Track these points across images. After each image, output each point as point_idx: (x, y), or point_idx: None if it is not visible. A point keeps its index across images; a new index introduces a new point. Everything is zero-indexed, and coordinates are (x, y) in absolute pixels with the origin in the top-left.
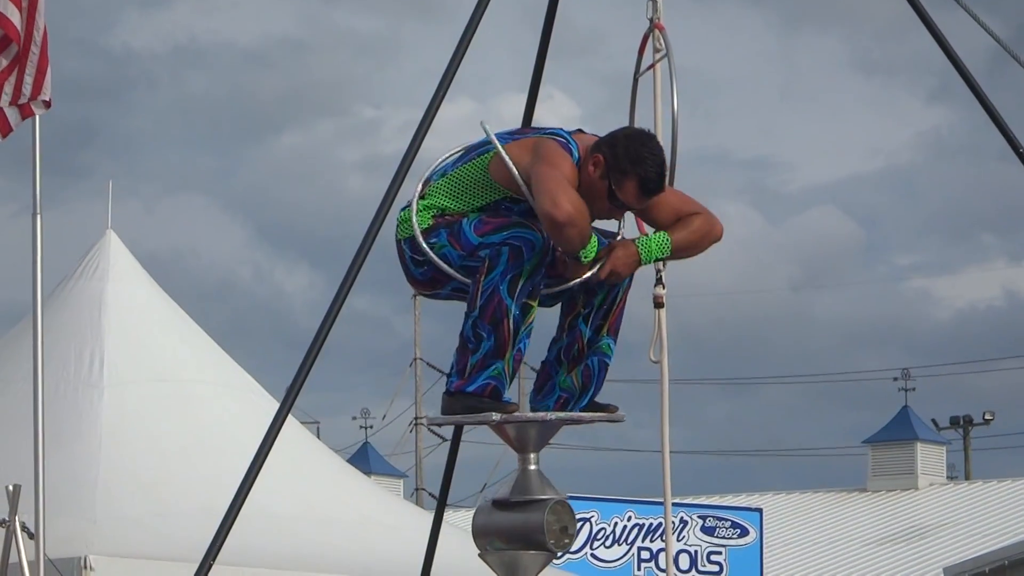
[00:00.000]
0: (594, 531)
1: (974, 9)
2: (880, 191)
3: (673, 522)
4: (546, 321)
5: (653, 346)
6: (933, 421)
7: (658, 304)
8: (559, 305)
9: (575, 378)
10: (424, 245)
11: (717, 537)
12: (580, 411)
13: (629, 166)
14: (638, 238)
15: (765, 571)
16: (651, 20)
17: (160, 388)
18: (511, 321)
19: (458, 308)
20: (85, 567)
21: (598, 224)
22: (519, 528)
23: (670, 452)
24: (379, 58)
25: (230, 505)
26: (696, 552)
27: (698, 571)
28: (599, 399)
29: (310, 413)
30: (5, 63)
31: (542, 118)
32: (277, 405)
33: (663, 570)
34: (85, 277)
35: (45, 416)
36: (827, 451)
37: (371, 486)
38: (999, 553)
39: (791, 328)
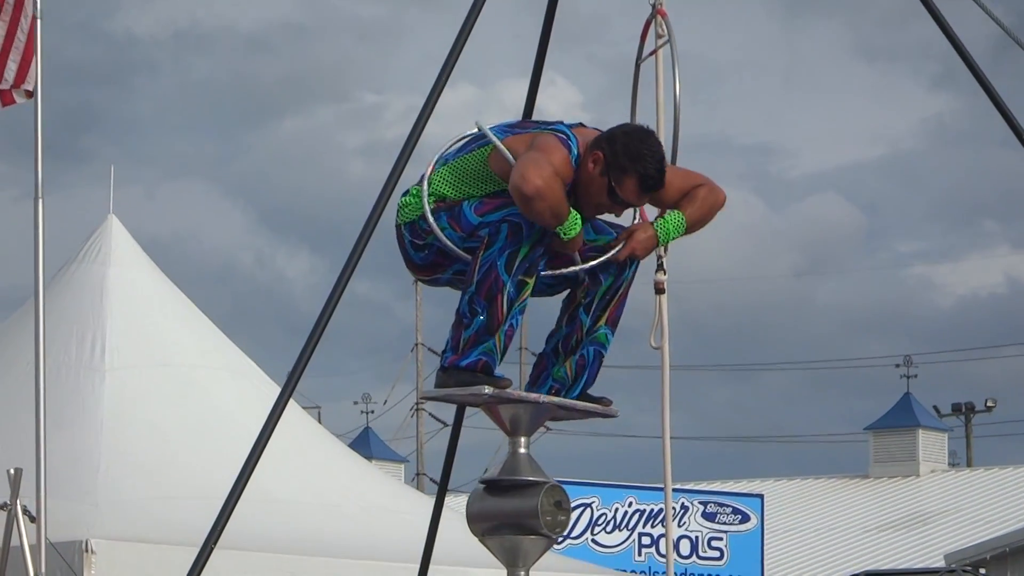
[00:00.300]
0: (595, 517)
1: None
2: (882, 178)
3: (674, 508)
4: (546, 315)
5: (654, 332)
6: (935, 408)
7: (659, 290)
8: (560, 299)
9: (568, 367)
10: (431, 219)
11: (718, 523)
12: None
13: (628, 163)
14: (655, 220)
15: (766, 557)
16: (653, 6)
17: (161, 372)
18: (505, 297)
19: (459, 293)
20: (86, 550)
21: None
22: (513, 513)
23: (671, 438)
24: (381, 43)
25: (231, 489)
26: (697, 538)
27: (699, 557)
28: (594, 392)
29: (311, 398)
30: None
31: (544, 104)
32: (278, 390)
33: (664, 555)
34: (87, 261)
35: (46, 400)
36: (829, 437)
37: (372, 471)
38: (1000, 540)
39: (793, 314)
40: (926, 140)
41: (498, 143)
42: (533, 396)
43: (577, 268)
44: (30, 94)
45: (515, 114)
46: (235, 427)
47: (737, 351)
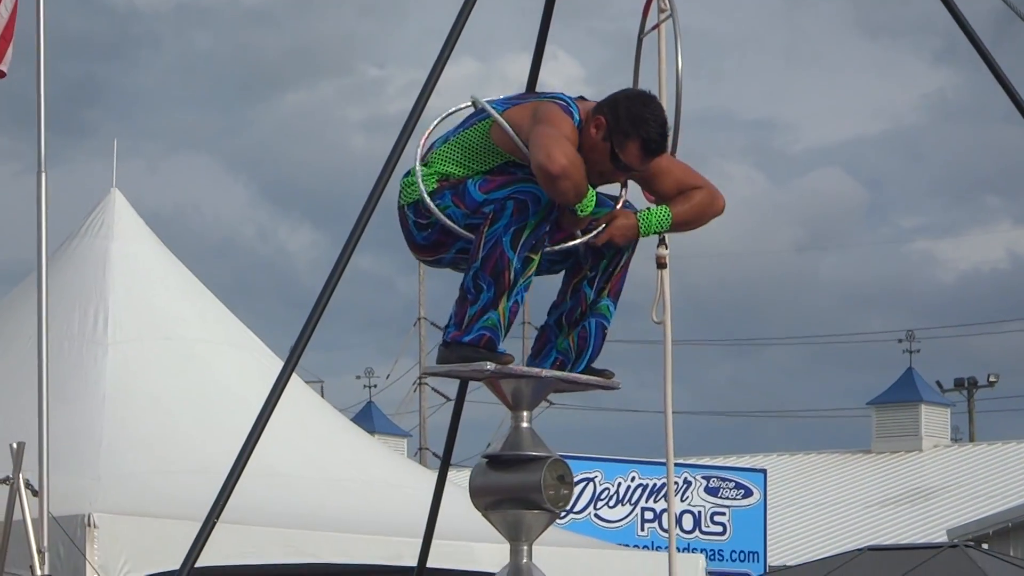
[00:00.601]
0: (598, 491)
1: None
2: (884, 153)
3: (676, 483)
4: (548, 287)
5: (655, 307)
6: (937, 383)
7: (661, 265)
8: (560, 277)
9: (572, 341)
10: (430, 203)
11: (721, 498)
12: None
13: (631, 127)
14: (640, 210)
15: (769, 532)
16: None
17: (164, 346)
18: (511, 273)
19: (462, 273)
20: (88, 524)
21: (604, 189)
22: (516, 487)
23: (673, 412)
24: (384, 17)
25: (234, 463)
26: (700, 512)
27: (702, 531)
28: (597, 364)
29: (314, 372)
30: None
31: (546, 79)
32: (280, 363)
33: (667, 530)
34: (90, 235)
35: (49, 373)
36: (831, 412)
37: (375, 445)
38: (1003, 515)
39: (795, 289)
40: (928, 115)
41: (497, 116)
42: (535, 371)
43: (573, 243)
44: (2, 75)
45: (518, 88)
46: (237, 401)
47: (739, 326)
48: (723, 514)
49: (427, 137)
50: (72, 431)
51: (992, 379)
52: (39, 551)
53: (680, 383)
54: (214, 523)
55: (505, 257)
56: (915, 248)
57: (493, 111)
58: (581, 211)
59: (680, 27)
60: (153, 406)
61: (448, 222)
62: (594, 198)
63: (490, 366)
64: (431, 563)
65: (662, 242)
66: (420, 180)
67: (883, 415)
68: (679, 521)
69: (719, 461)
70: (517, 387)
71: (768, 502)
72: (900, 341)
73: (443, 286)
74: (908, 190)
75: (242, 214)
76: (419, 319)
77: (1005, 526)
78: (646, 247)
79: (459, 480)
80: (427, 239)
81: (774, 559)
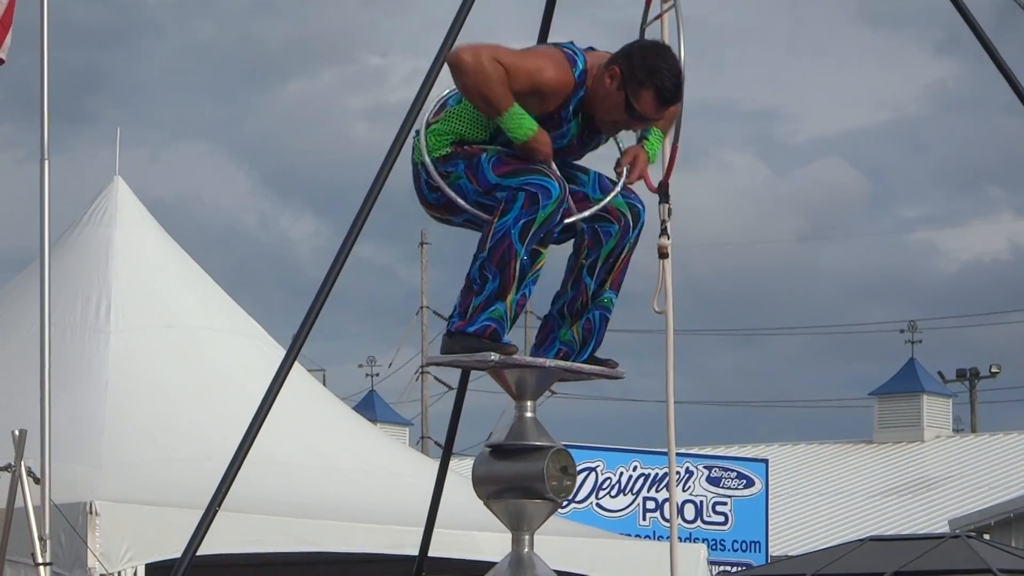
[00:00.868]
0: (599, 481)
1: None
2: (886, 143)
3: (678, 472)
4: (551, 277)
5: (657, 296)
6: (939, 373)
7: (662, 254)
8: (565, 261)
9: (576, 332)
10: (436, 177)
11: (722, 488)
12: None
13: (645, 77)
14: (643, 145)
15: (770, 522)
16: None
17: (167, 334)
18: (518, 265)
19: (467, 256)
20: (90, 512)
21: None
22: (519, 477)
23: (675, 402)
24: (386, 6)
25: (235, 452)
26: (701, 502)
27: (703, 521)
28: (599, 354)
29: (316, 361)
30: None
31: None
32: (282, 352)
33: (668, 520)
34: (93, 223)
35: (51, 361)
36: (833, 403)
37: (377, 434)
38: (1004, 506)
39: (797, 279)
40: (930, 105)
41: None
42: (539, 361)
43: (589, 213)
44: (1, 61)
45: None
46: (239, 389)
47: (741, 316)
48: (725, 504)
49: (440, 98)
50: (74, 419)
51: (994, 370)
52: (40, 539)
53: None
54: (216, 511)
55: (513, 249)
56: (917, 238)
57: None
58: (510, 132)
59: (683, 17)
60: (155, 394)
61: (455, 196)
62: (533, 128)
63: (494, 357)
64: (433, 552)
65: (664, 232)
66: (424, 144)
67: (885, 405)
68: (681, 511)
69: (721, 451)
70: (521, 377)
71: (770, 492)
72: (902, 331)
73: (446, 275)
74: (910, 180)
75: (244, 203)
76: (421, 308)
77: (1007, 517)
78: (648, 235)
79: (461, 469)
80: (438, 200)
81: (776, 549)
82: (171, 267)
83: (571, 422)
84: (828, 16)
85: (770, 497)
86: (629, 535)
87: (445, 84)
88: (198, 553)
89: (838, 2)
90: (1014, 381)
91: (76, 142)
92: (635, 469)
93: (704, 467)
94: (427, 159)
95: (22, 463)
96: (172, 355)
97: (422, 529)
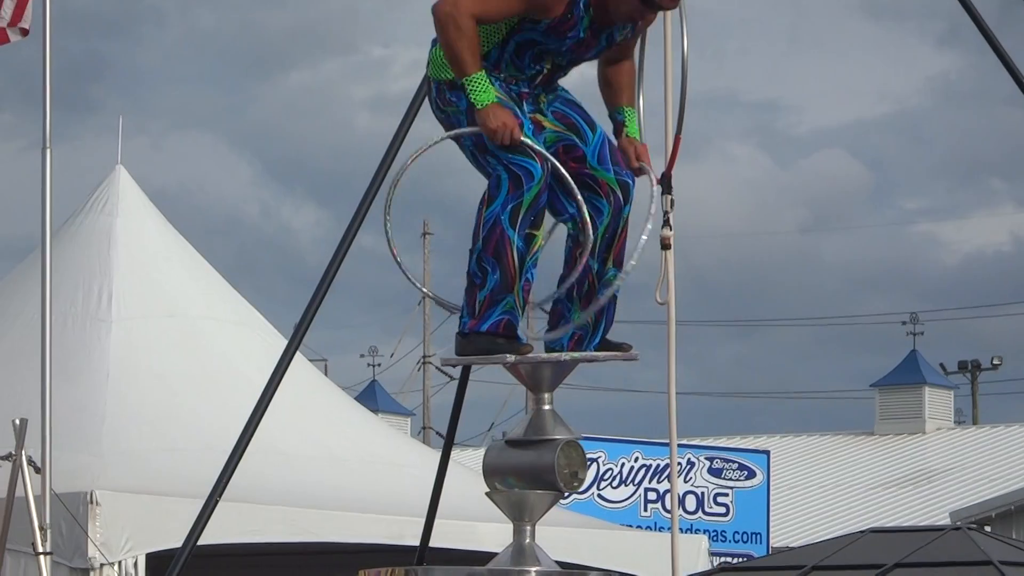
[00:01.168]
0: (601, 471)
1: None
2: (888, 135)
3: (680, 463)
4: (552, 260)
5: (660, 287)
6: (941, 365)
7: (665, 246)
8: (562, 246)
9: (588, 314)
10: (440, 103)
11: (724, 479)
12: (594, 349)
13: None
14: (626, 130)
15: (772, 513)
16: None
17: (168, 323)
18: (515, 252)
19: (467, 248)
20: (91, 502)
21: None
22: (530, 467)
23: (676, 393)
24: None
25: (237, 441)
26: (703, 493)
27: (705, 512)
28: (611, 337)
29: (318, 350)
30: None
31: None
32: (284, 341)
33: (669, 511)
34: (94, 212)
35: (53, 350)
36: (835, 394)
37: (378, 424)
38: (1006, 498)
39: (799, 271)
40: (932, 98)
41: None
42: (554, 356)
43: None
44: (25, 32)
45: None
46: (241, 378)
47: (743, 307)
48: (726, 495)
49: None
50: (75, 408)
51: (996, 362)
52: (41, 528)
53: (683, 364)
54: (216, 501)
55: (506, 236)
56: (919, 230)
57: None
58: (472, 99)
59: (686, 8)
60: (156, 383)
61: (454, 136)
62: (489, 93)
63: (510, 358)
64: (434, 542)
65: (666, 223)
66: (433, 59)
67: (886, 397)
68: (682, 502)
69: (722, 442)
70: (538, 370)
71: (771, 483)
72: (904, 323)
73: (448, 264)
74: (912, 172)
75: (246, 192)
76: (423, 298)
77: (1008, 509)
78: (638, 217)
79: (462, 459)
80: (445, 119)
81: (777, 540)
82: (173, 256)
83: (572, 413)
84: (830, 8)
85: (771, 488)
86: (630, 526)
87: None
88: (199, 543)
89: None
90: (1016, 373)
91: (78, 131)
92: (636, 460)
93: (705, 458)
94: (436, 77)
95: (23, 452)
96: (173, 344)
97: (423, 519)
